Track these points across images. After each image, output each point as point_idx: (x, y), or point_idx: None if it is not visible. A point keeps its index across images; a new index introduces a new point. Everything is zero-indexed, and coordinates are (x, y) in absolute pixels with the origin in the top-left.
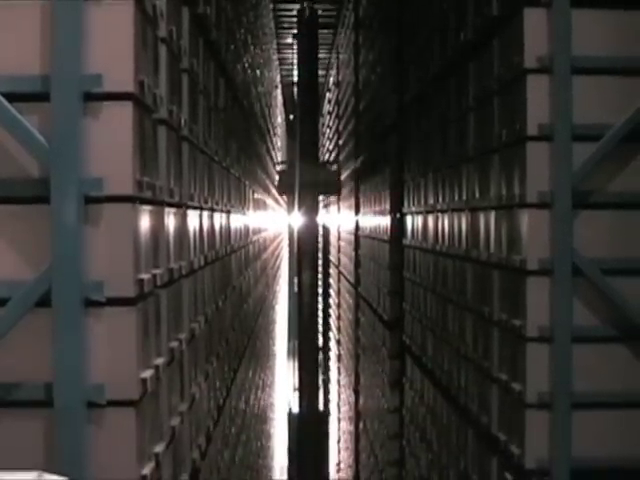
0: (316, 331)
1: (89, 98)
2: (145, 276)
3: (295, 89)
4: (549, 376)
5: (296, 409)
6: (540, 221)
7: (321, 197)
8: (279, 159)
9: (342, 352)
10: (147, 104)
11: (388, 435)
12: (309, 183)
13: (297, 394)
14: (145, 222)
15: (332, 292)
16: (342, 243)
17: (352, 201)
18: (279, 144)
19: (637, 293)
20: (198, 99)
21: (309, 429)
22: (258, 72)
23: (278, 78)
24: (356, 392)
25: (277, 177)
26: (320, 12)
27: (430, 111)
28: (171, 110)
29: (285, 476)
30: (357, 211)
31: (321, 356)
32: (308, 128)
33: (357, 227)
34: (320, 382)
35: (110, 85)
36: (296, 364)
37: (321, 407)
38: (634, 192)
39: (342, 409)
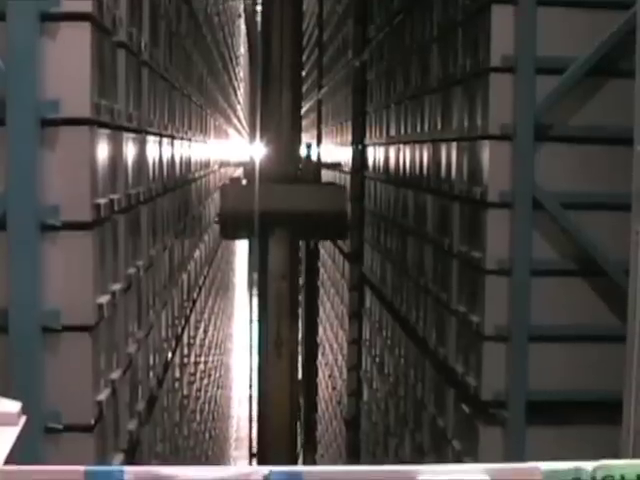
0: None
1: (46, 18)
2: (102, 201)
3: (259, 18)
4: (507, 309)
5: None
6: (501, 153)
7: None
8: (242, 90)
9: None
10: (106, 25)
11: (346, 366)
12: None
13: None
14: (103, 146)
15: None
16: None
17: (314, 132)
18: (242, 74)
19: (596, 227)
20: (159, 24)
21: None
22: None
23: (242, 7)
24: (315, 324)
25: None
26: None
27: (394, 42)
28: (131, 33)
29: (245, 407)
30: (319, 142)
31: None
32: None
33: (319, 158)
34: None
35: (68, 5)
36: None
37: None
38: (596, 126)
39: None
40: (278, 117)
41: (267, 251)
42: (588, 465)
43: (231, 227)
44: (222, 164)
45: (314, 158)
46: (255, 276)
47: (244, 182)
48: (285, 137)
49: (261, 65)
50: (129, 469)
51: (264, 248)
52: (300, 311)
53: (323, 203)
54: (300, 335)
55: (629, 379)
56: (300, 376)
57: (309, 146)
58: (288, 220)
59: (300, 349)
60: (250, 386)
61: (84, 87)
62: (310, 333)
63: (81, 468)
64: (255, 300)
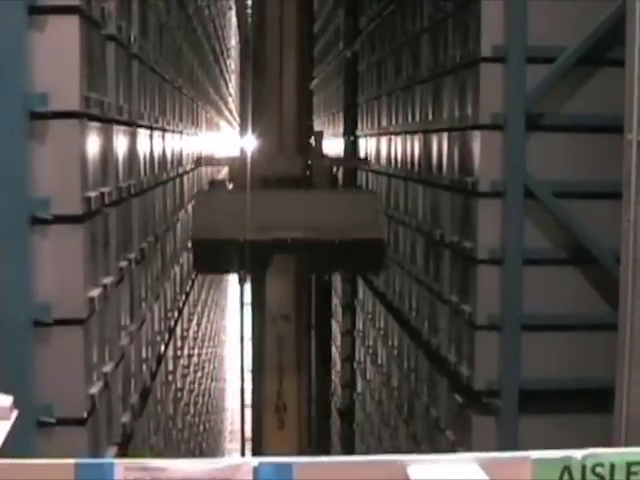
0: None
1: (34, 11)
2: (93, 194)
3: (249, 10)
4: (499, 298)
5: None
6: (492, 143)
7: None
8: (233, 82)
9: None
10: (94, 18)
11: (340, 357)
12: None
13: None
14: (93, 139)
15: None
16: None
17: None
18: (233, 66)
19: (588, 215)
20: (149, 17)
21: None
22: None
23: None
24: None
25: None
26: None
27: (385, 33)
28: (120, 25)
29: (237, 400)
30: None
31: None
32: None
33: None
34: None
35: None
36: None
37: None
38: (586, 115)
39: None
40: (277, 96)
41: (263, 284)
42: (578, 453)
43: (208, 256)
44: (204, 161)
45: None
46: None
47: (229, 187)
48: (288, 123)
49: (258, 37)
50: (119, 461)
51: (259, 281)
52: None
53: (347, 219)
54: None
55: (621, 367)
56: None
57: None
58: (294, 245)
59: (309, 410)
60: (242, 378)
61: (73, 80)
62: (324, 390)
63: (71, 461)
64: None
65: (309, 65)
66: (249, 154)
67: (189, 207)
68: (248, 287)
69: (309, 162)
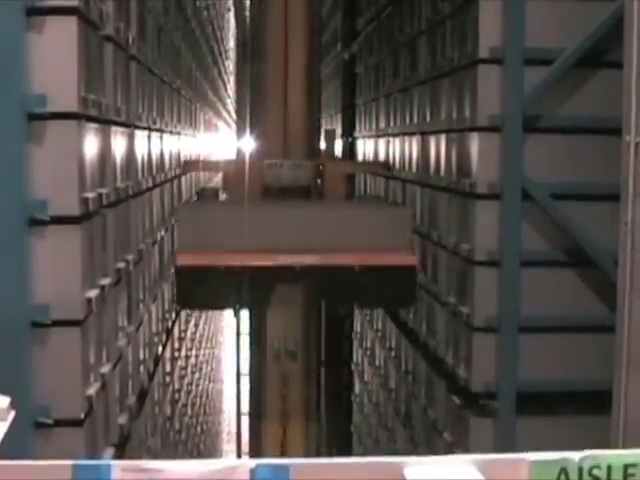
0: None
1: (32, 12)
2: (90, 195)
3: (247, 13)
4: (497, 300)
5: None
6: (490, 145)
7: None
8: (231, 84)
9: None
10: (92, 19)
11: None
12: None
13: None
14: (91, 140)
15: None
16: None
17: None
18: (231, 68)
19: (585, 218)
20: (147, 18)
21: None
22: None
23: (231, 0)
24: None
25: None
26: None
27: (383, 35)
28: (118, 27)
29: (234, 402)
30: None
31: None
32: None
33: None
34: None
35: None
36: None
37: None
38: (584, 117)
39: None
40: (281, 85)
41: (264, 314)
42: (575, 455)
43: (195, 288)
44: (193, 166)
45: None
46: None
47: (222, 198)
48: (295, 119)
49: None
50: (116, 463)
51: (259, 313)
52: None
53: (371, 240)
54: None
55: (619, 368)
56: None
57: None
58: (304, 274)
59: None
60: (237, 381)
61: (71, 81)
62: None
63: (69, 462)
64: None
65: (319, 48)
66: (247, 157)
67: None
68: (246, 314)
69: (320, 167)
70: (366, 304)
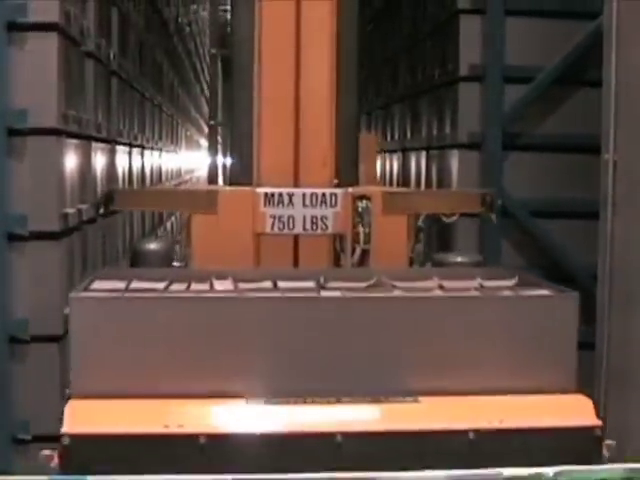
0: None
1: (13, 28)
2: (70, 210)
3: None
4: None
5: None
6: (470, 162)
7: None
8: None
9: None
10: (73, 36)
11: None
12: None
13: None
14: (71, 156)
15: None
16: None
17: None
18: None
19: (564, 234)
20: (128, 34)
21: None
22: (192, 9)
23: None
24: None
25: None
26: None
27: (363, 52)
28: (99, 43)
29: None
30: None
31: None
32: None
33: None
34: None
35: (35, 15)
36: None
37: None
38: (563, 134)
39: None
40: None
41: None
42: (549, 470)
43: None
44: (193, 172)
45: None
46: None
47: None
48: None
49: None
50: (92, 478)
51: None
52: None
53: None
54: None
55: (598, 384)
56: None
57: None
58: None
59: None
60: None
61: (51, 97)
62: None
63: (44, 478)
64: None
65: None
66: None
67: (169, 224)
68: None
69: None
70: None
